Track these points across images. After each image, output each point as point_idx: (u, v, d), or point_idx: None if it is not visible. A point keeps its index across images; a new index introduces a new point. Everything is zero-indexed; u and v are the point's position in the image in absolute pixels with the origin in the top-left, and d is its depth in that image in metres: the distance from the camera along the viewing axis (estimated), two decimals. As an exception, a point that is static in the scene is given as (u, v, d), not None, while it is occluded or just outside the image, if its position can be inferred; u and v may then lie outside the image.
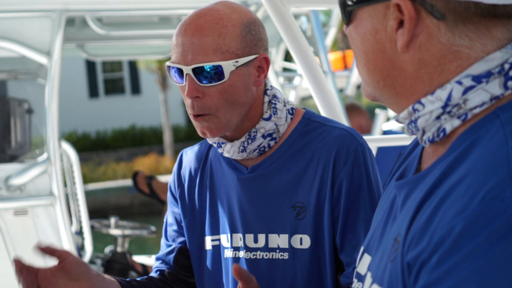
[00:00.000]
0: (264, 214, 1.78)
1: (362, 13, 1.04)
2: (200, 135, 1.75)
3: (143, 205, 15.76)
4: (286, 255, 1.76)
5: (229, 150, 1.78)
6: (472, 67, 0.98)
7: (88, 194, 16.89)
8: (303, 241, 1.75)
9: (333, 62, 10.96)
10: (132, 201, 16.61)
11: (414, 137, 1.15)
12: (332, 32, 5.23)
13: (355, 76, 4.76)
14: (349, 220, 1.73)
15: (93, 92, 26.87)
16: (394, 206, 1.10)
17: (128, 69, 26.82)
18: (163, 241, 1.99)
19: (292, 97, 5.64)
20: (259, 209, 1.79)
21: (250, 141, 1.76)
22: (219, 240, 1.85)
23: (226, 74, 1.68)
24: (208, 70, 1.67)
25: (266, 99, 1.78)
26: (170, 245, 1.96)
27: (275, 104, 1.78)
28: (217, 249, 1.86)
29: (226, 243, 1.83)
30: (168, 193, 2.00)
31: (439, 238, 0.88)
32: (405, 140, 2.77)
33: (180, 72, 1.69)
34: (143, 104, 26.32)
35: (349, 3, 1.05)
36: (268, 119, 1.77)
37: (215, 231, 1.86)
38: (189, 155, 1.97)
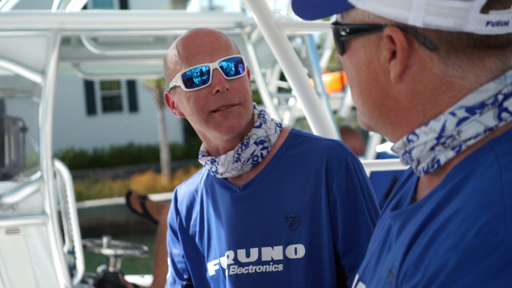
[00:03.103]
0: (257, 228, 1.83)
1: (356, 43, 1.04)
2: (225, 132, 1.79)
3: (139, 223, 15.72)
4: (280, 267, 1.80)
5: (224, 162, 1.83)
6: (466, 98, 0.98)
7: (84, 212, 16.76)
8: (298, 251, 1.79)
9: (331, 83, 10.99)
10: (128, 219, 16.56)
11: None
12: (327, 54, 5.25)
13: (350, 98, 4.77)
14: (349, 225, 1.78)
15: (90, 110, 26.87)
16: (390, 236, 1.10)
17: (126, 87, 26.84)
18: (168, 286, 2.05)
19: (286, 118, 5.64)
20: (251, 224, 1.83)
21: (243, 148, 1.83)
22: (218, 263, 1.89)
23: (244, 67, 1.84)
24: (233, 63, 1.80)
25: (256, 111, 1.89)
26: None
27: (264, 115, 1.89)
28: (219, 272, 1.89)
29: (223, 263, 1.87)
30: (168, 232, 2.04)
31: (433, 272, 0.87)
32: (398, 165, 2.78)
33: (202, 73, 1.78)
34: (141, 122, 26.32)
35: (343, 33, 1.05)
36: (259, 126, 1.86)
37: (215, 255, 1.90)
38: (183, 189, 2.03)
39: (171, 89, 1.88)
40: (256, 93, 4.52)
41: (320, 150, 1.83)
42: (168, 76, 1.87)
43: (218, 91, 1.77)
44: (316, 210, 1.79)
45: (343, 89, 4.90)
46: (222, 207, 1.88)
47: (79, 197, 17.74)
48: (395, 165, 2.75)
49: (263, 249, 1.81)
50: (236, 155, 1.82)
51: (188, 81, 1.79)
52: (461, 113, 0.98)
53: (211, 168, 1.88)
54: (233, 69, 1.80)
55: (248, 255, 1.83)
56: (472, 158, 0.97)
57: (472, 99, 0.98)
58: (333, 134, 2.54)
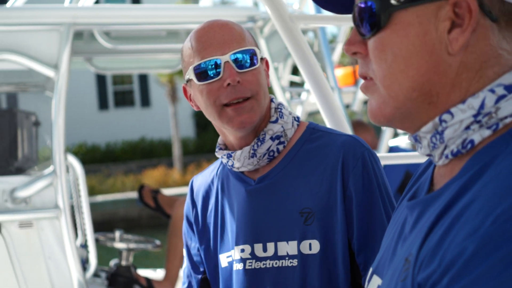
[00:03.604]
0: (272, 222, 1.81)
1: (407, 15, 1.00)
2: (237, 128, 1.78)
3: (151, 217, 15.77)
4: (295, 262, 1.78)
5: (240, 158, 1.82)
6: (505, 76, 0.98)
7: (96, 206, 16.82)
8: (313, 246, 1.77)
9: (343, 77, 10.95)
10: (141, 213, 16.61)
11: (420, 154, 1.13)
12: (339, 48, 5.23)
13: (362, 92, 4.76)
14: (365, 222, 1.77)
15: (103, 104, 26.95)
16: (405, 227, 1.09)
17: (138, 81, 26.89)
18: (184, 277, 2.05)
19: (299, 112, 5.63)
20: (267, 218, 1.82)
21: (259, 144, 1.81)
22: (231, 256, 1.88)
23: (258, 59, 1.81)
24: (246, 55, 1.78)
25: (273, 105, 1.87)
26: (189, 281, 2.02)
27: (281, 109, 1.87)
28: (232, 264, 1.89)
29: (237, 256, 1.86)
30: (184, 224, 2.04)
31: (450, 260, 0.87)
32: (410, 158, 2.76)
33: (214, 66, 1.76)
34: (153, 116, 26.38)
35: (394, 2, 1.00)
36: (275, 121, 1.84)
37: (228, 247, 1.90)
38: (199, 179, 2.03)
39: (187, 81, 1.86)
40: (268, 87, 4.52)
41: (337, 145, 1.80)
42: (184, 69, 1.86)
43: (229, 84, 1.76)
44: (331, 206, 1.77)
45: (355, 83, 4.89)
46: (237, 200, 1.87)
47: (91, 192, 17.81)
48: (408, 158, 2.74)
49: (279, 243, 1.80)
50: (252, 151, 1.81)
51: (200, 74, 1.78)
52: (500, 91, 0.97)
53: (227, 162, 1.87)
54: (246, 61, 1.78)
55: (265, 249, 1.82)
56: (490, 149, 0.97)
57: (510, 78, 0.98)
58: (347, 128, 2.54)
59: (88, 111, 25.84)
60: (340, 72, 11.28)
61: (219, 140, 1.93)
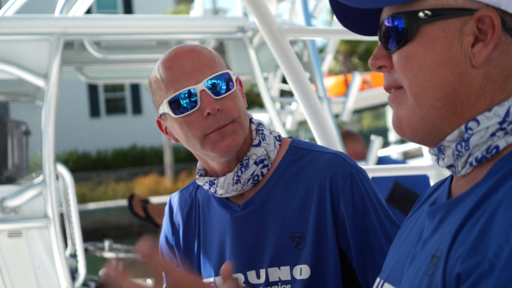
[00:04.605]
0: (263, 248, 1.75)
1: (433, 28, 1.05)
2: (222, 153, 1.69)
3: (142, 225, 15.67)
4: (288, 287, 1.73)
5: (223, 185, 1.75)
6: None
7: (87, 214, 16.73)
8: (303, 272, 1.71)
9: (335, 86, 11.01)
10: (132, 221, 16.58)
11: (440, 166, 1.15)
12: (329, 58, 5.25)
13: (351, 102, 4.78)
14: (363, 244, 1.70)
15: (94, 112, 26.92)
16: (423, 233, 1.12)
17: (130, 89, 26.89)
18: None
19: (289, 122, 5.65)
20: (256, 245, 1.76)
21: (243, 170, 1.74)
22: (213, 283, 1.80)
23: (234, 82, 1.72)
24: (221, 80, 1.69)
25: (253, 126, 1.79)
26: None
27: (262, 130, 1.79)
28: None
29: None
30: (163, 244, 1.94)
31: (496, 249, 0.91)
32: (399, 170, 2.77)
33: (189, 97, 1.67)
34: (144, 124, 26.36)
35: (422, 16, 1.06)
36: (258, 145, 1.76)
37: (209, 272, 1.83)
38: (178, 200, 1.93)
39: (160, 115, 1.78)
40: (258, 96, 4.54)
41: (322, 165, 1.74)
42: (156, 102, 1.77)
43: (209, 113, 1.67)
44: (321, 229, 1.70)
45: (346, 92, 4.92)
46: (222, 227, 1.80)
47: (82, 199, 17.77)
48: (397, 170, 2.75)
49: (269, 269, 1.74)
50: (236, 177, 1.74)
51: (176, 107, 1.69)
52: None
53: (209, 188, 1.79)
54: (222, 87, 1.69)
55: (258, 276, 1.76)
56: None
57: None
58: (335, 139, 2.54)
59: (79, 118, 25.81)
60: (331, 81, 11.33)
61: (198, 165, 1.85)
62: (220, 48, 4.97)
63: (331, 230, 1.70)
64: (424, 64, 1.06)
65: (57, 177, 4.16)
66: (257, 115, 3.02)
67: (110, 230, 16.62)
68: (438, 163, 1.13)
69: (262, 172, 1.76)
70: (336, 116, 6.65)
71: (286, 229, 1.73)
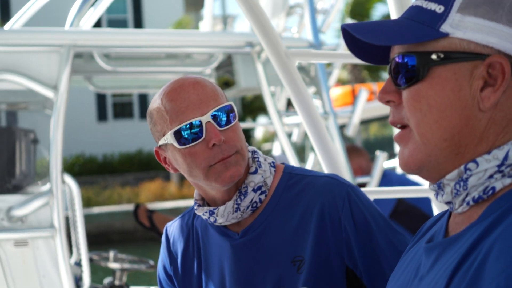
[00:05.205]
0: (265, 274, 1.77)
1: (444, 70, 1.08)
2: (226, 183, 1.72)
3: (147, 230, 15.71)
4: None
5: (223, 213, 1.77)
6: None
7: (92, 218, 16.63)
8: None
9: (342, 96, 11.01)
10: (136, 226, 16.54)
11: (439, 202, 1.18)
12: (336, 73, 5.28)
13: (357, 117, 4.80)
14: (370, 258, 1.73)
15: (101, 116, 26.96)
16: (420, 269, 1.15)
17: (137, 94, 26.93)
18: None
19: (295, 134, 5.68)
20: (258, 271, 1.78)
21: (242, 197, 1.77)
22: None
23: (235, 114, 1.76)
24: (224, 112, 1.72)
25: (249, 154, 1.83)
26: None
27: (258, 158, 1.83)
28: None
29: None
30: (161, 274, 1.96)
31: None
32: (402, 192, 2.78)
33: (195, 128, 1.70)
34: (151, 128, 26.33)
35: (434, 57, 1.08)
36: (255, 172, 1.80)
37: None
38: (175, 229, 1.95)
39: (160, 145, 1.79)
40: (265, 110, 4.57)
41: (319, 189, 1.77)
42: (157, 133, 1.78)
43: (214, 144, 1.70)
44: (321, 252, 1.73)
45: (354, 102, 4.93)
46: (222, 255, 1.83)
47: (88, 203, 17.79)
48: (399, 193, 2.77)
49: None
50: (235, 205, 1.76)
51: (181, 138, 1.71)
52: None
53: (208, 218, 1.81)
54: (225, 118, 1.73)
55: None
56: (509, 195, 1.04)
57: None
58: (339, 162, 2.54)
59: (86, 122, 25.85)
60: (338, 91, 11.34)
61: (196, 195, 1.87)
62: (228, 61, 5.01)
63: (334, 251, 1.73)
64: (433, 105, 1.09)
65: (62, 180, 4.17)
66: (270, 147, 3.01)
67: (114, 234, 16.63)
68: (437, 198, 1.16)
69: (260, 199, 1.80)
70: (343, 126, 6.66)
71: (287, 253, 1.76)
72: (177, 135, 1.71)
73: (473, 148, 1.08)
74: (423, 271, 1.13)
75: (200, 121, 1.70)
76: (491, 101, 1.06)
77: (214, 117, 1.71)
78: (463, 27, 1.08)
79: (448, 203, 1.13)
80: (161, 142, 1.77)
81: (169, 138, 1.73)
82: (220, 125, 1.72)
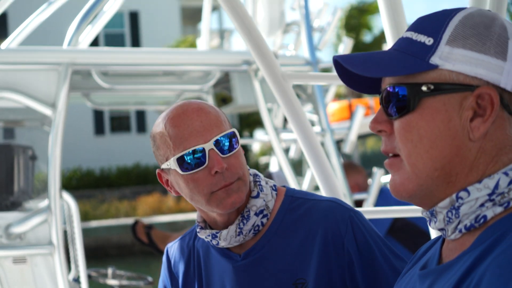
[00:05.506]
0: None
1: (434, 101, 1.11)
2: (227, 209, 1.74)
3: (145, 247, 15.66)
4: None
5: (226, 237, 1.78)
6: None
7: (90, 232, 16.53)
8: None
9: (339, 111, 11.02)
10: (134, 240, 16.54)
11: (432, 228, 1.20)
12: (333, 90, 5.31)
13: (354, 134, 4.83)
14: (372, 282, 1.75)
15: (99, 129, 26.97)
16: None
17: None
18: None
19: (292, 150, 5.70)
20: None
21: (245, 222, 1.78)
22: None
23: (238, 140, 1.78)
24: (227, 139, 1.74)
25: (251, 178, 1.84)
26: None
27: (259, 182, 1.84)
28: None
29: None
30: None
31: None
32: (398, 212, 2.79)
33: (198, 155, 1.71)
34: (148, 142, 26.08)
35: (424, 89, 1.11)
36: (257, 196, 1.81)
37: None
38: (176, 250, 1.97)
39: (163, 169, 1.80)
40: (262, 124, 4.60)
41: (321, 213, 1.79)
42: (160, 157, 1.79)
43: (216, 172, 1.71)
44: (324, 275, 1.74)
45: (351, 116, 4.95)
46: (223, 277, 1.84)
47: (85, 217, 17.75)
48: (395, 212, 2.78)
49: None
50: (238, 229, 1.78)
51: (183, 164, 1.72)
52: None
53: (210, 241, 1.82)
54: (228, 145, 1.74)
55: None
56: (500, 224, 1.06)
57: None
58: (335, 182, 2.55)
59: (84, 135, 25.85)
60: (335, 106, 11.36)
61: (198, 217, 1.88)
62: (225, 78, 5.04)
63: (337, 274, 1.75)
64: (424, 135, 1.11)
65: (61, 197, 4.19)
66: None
67: (112, 248, 16.59)
68: (430, 224, 1.18)
69: (262, 222, 1.81)
70: (340, 141, 6.68)
71: (288, 276, 1.77)
72: (180, 161, 1.72)
73: (464, 177, 1.10)
74: None
75: (203, 148, 1.71)
76: (480, 131, 1.08)
77: (217, 144, 1.72)
78: (452, 59, 1.10)
79: (441, 229, 1.15)
80: (164, 166, 1.78)
81: (172, 163, 1.74)
82: (222, 152, 1.73)
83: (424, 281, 1.15)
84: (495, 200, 1.08)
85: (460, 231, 1.12)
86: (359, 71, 1.14)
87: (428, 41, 1.13)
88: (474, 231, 1.11)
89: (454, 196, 1.11)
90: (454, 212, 1.11)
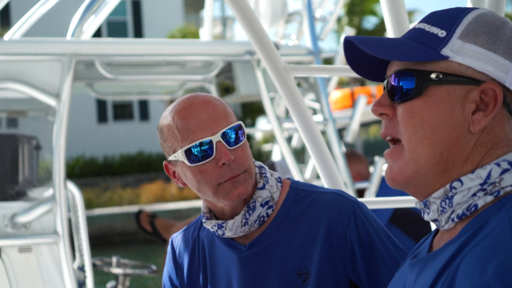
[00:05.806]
0: (271, 286, 1.82)
1: (440, 90, 1.15)
2: (234, 201, 1.78)
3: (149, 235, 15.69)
4: None
5: (232, 227, 1.82)
6: (510, 154, 1.13)
7: (93, 220, 16.53)
8: None
9: (341, 99, 11.04)
10: (138, 228, 16.58)
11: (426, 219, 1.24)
12: (334, 80, 5.32)
13: (356, 123, 4.84)
14: (374, 272, 1.78)
15: (102, 117, 26.98)
16: (406, 284, 1.22)
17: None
18: None
19: (295, 139, 5.72)
20: (264, 283, 1.83)
21: (250, 212, 1.82)
22: None
23: (244, 133, 1.81)
24: (234, 131, 1.77)
25: (256, 170, 1.88)
26: None
27: (265, 174, 1.88)
28: None
29: None
30: (166, 285, 2.00)
31: None
32: (400, 202, 2.81)
33: (205, 147, 1.74)
34: (152, 130, 26.36)
35: (433, 77, 1.15)
36: (263, 188, 1.85)
37: None
38: (180, 240, 2.00)
39: (170, 160, 1.83)
40: (265, 112, 4.62)
41: (325, 205, 1.83)
42: (167, 149, 1.82)
43: (223, 163, 1.74)
44: (326, 265, 1.78)
45: (353, 105, 4.96)
46: (229, 267, 1.87)
47: (89, 205, 17.79)
48: (397, 203, 2.81)
49: None
50: (244, 220, 1.81)
51: (191, 156, 1.75)
52: (505, 165, 1.12)
53: (216, 231, 1.85)
54: (234, 137, 1.78)
55: None
56: (485, 214, 1.11)
57: None
58: (336, 173, 2.57)
59: (87, 123, 25.86)
60: (338, 94, 11.37)
61: (203, 208, 1.91)
62: (228, 67, 5.06)
63: (339, 265, 1.79)
64: (426, 122, 1.15)
65: (65, 186, 4.22)
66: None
67: (116, 236, 16.64)
68: (423, 216, 1.22)
69: (267, 213, 1.84)
70: (342, 129, 6.68)
71: (292, 266, 1.81)
72: (188, 153, 1.76)
73: (459, 167, 1.14)
74: (408, 285, 1.20)
75: (210, 140, 1.75)
76: (481, 124, 1.13)
77: (224, 136, 1.76)
78: (463, 53, 1.14)
79: (434, 220, 1.19)
80: (171, 158, 1.81)
81: (179, 155, 1.77)
82: (229, 144, 1.77)
83: (413, 270, 1.20)
84: (486, 189, 1.12)
85: (453, 220, 1.15)
86: (373, 52, 1.18)
87: (441, 33, 1.17)
88: (465, 220, 1.15)
89: (448, 186, 1.15)
90: (447, 201, 1.15)
